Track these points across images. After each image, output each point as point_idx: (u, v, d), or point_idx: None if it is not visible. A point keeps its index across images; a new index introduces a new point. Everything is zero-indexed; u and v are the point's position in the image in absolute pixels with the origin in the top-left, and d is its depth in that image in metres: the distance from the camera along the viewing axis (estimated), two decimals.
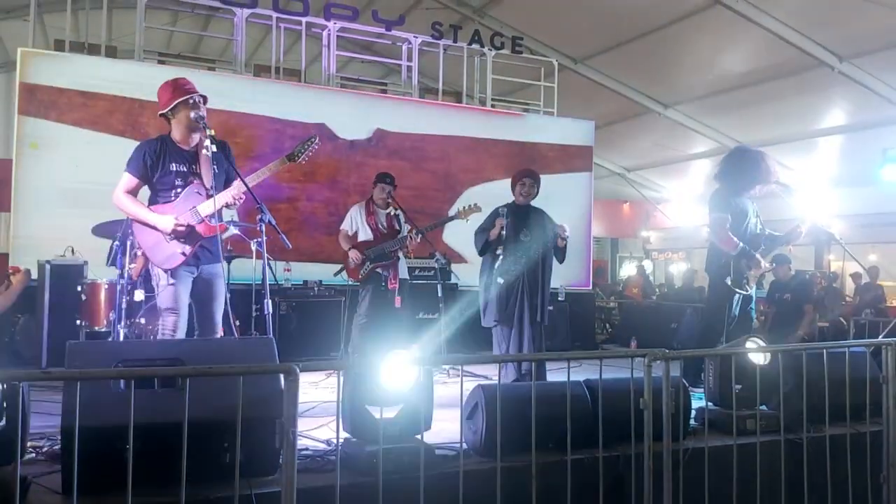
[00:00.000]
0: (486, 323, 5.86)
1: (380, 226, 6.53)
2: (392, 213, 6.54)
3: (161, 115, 4.25)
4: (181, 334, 4.16)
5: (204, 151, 4.18)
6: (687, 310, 9.36)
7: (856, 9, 8.59)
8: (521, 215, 5.80)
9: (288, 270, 7.87)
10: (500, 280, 5.70)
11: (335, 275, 6.80)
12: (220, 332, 4.40)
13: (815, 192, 13.01)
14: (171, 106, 4.18)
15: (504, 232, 5.68)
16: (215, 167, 4.15)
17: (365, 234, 6.52)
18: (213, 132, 4.16)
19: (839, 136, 12.00)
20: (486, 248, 5.78)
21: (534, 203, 5.94)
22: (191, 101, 4.16)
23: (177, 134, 4.25)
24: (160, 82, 4.30)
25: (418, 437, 3.34)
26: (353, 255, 6.41)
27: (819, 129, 11.97)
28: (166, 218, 4.11)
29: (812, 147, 12.53)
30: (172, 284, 4.14)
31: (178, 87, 4.20)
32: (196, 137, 4.26)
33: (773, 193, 5.82)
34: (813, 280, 11.06)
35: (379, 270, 6.42)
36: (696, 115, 12.91)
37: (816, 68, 10.02)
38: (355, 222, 6.58)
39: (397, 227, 6.55)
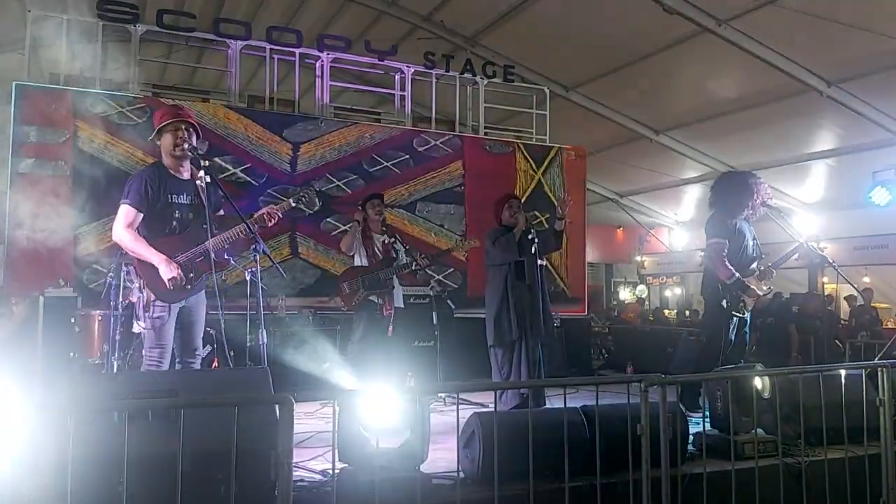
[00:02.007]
0: (489, 341, 5.93)
1: (376, 251, 6.41)
2: (388, 241, 6.46)
3: (150, 139, 4.27)
4: (166, 365, 4.13)
5: (198, 182, 4.18)
6: (682, 334, 9.35)
7: (843, 34, 8.70)
8: (511, 237, 5.84)
9: (282, 300, 7.87)
10: (509, 299, 5.75)
11: (332, 299, 6.77)
12: (200, 354, 4.36)
13: (806, 216, 13.12)
14: (157, 129, 4.17)
15: (535, 241, 5.71)
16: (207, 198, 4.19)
17: (360, 259, 6.43)
18: (207, 163, 4.17)
19: (829, 159, 12.10)
20: (521, 244, 5.79)
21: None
22: (174, 128, 4.13)
23: (166, 160, 4.22)
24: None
25: (415, 466, 3.31)
26: (346, 275, 6.39)
27: (809, 153, 12.08)
28: (167, 265, 4.04)
29: (803, 171, 12.64)
30: (159, 318, 4.09)
31: (166, 112, 4.21)
32: (187, 167, 4.24)
33: (765, 216, 5.87)
34: (792, 301, 11.13)
35: (373, 298, 6.30)
36: (687, 140, 13.01)
37: (805, 93, 10.13)
38: (353, 244, 6.46)
39: (393, 255, 6.44)
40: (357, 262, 6.45)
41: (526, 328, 5.69)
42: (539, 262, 5.74)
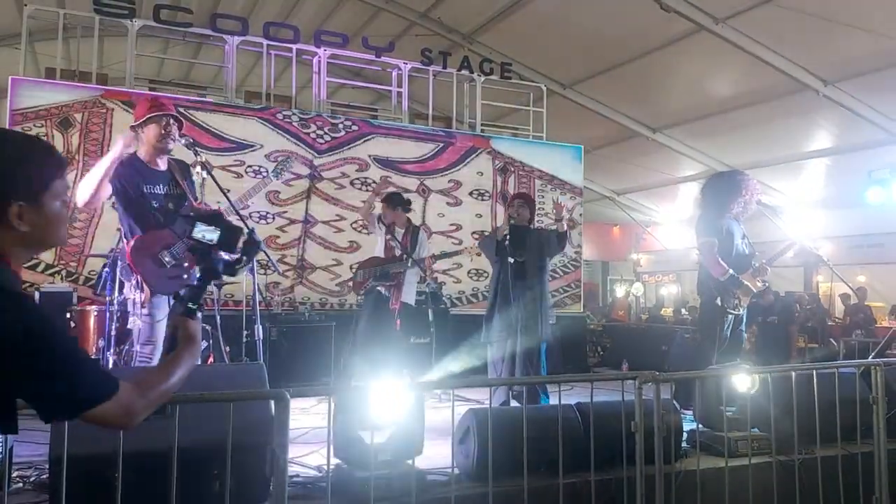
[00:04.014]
0: (484, 339, 5.94)
1: (393, 244, 6.49)
2: (406, 233, 6.53)
3: (132, 127, 4.20)
4: (156, 361, 4.10)
5: (195, 177, 4.21)
6: (677, 332, 9.38)
7: (839, 33, 8.72)
8: (518, 237, 5.86)
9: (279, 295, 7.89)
10: (497, 297, 5.78)
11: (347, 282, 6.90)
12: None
13: (802, 214, 13.15)
14: (143, 120, 4.13)
15: (508, 242, 5.73)
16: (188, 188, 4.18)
17: (379, 249, 6.63)
18: (204, 158, 4.18)
19: (825, 158, 12.13)
20: (500, 249, 5.81)
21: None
22: (162, 122, 4.12)
23: (142, 152, 4.16)
24: None
25: (410, 462, 3.32)
26: (362, 263, 6.69)
27: (805, 151, 12.10)
28: (122, 141, 3.96)
29: (799, 170, 12.66)
30: (149, 315, 4.04)
31: (153, 105, 4.19)
32: (164, 158, 4.20)
33: (761, 214, 5.87)
34: (795, 302, 11.17)
35: (381, 290, 6.42)
36: (683, 138, 13.03)
37: (802, 92, 10.15)
38: (378, 240, 6.70)
39: (409, 249, 6.48)
40: (377, 251, 6.66)
41: (519, 329, 5.69)
42: (510, 259, 5.75)
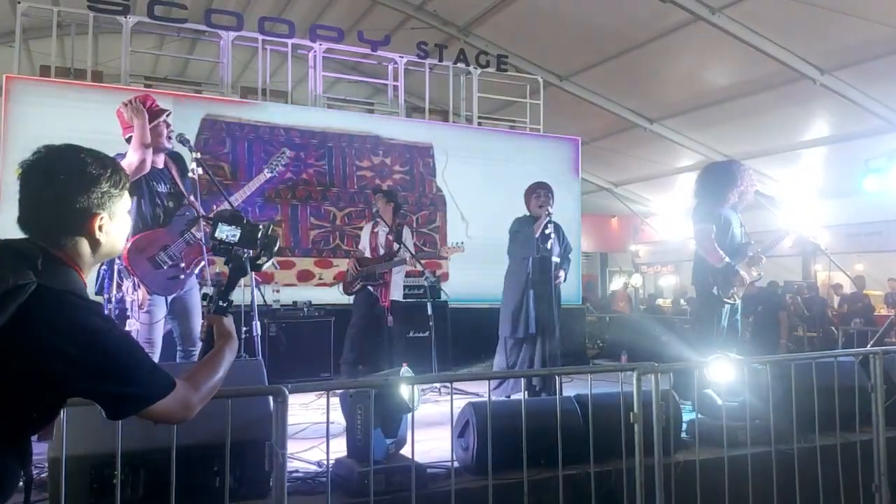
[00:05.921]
0: (504, 333, 5.89)
1: (378, 245, 6.65)
2: (391, 234, 6.58)
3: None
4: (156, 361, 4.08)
5: (190, 174, 4.19)
6: (676, 323, 9.39)
7: (836, 21, 8.70)
8: (530, 231, 5.81)
9: (277, 292, 7.89)
10: (523, 292, 5.73)
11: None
12: (199, 345, 4.36)
13: (800, 204, 13.15)
14: (155, 121, 4.06)
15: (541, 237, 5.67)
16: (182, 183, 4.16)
17: (366, 251, 6.75)
18: (198, 154, 4.17)
19: (822, 147, 12.12)
20: (539, 246, 5.70)
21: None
22: (164, 119, 4.10)
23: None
24: None
25: (409, 455, 3.33)
26: (349, 263, 6.75)
27: (802, 140, 12.09)
28: None
29: (796, 159, 12.66)
30: (148, 314, 4.04)
31: (154, 103, 4.13)
32: (161, 156, 4.17)
33: (758, 205, 5.86)
34: (782, 289, 11.20)
35: (370, 289, 6.52)
36: (681, 129, 13.01)
37: (798, 81, 10.13)
38: (363, 239, 6.85)
39: (395, 249, 6.58)
40: (365, 253, 6.76)
41: (543, 325, 5.66)
42: (553, 258, 5.73)
